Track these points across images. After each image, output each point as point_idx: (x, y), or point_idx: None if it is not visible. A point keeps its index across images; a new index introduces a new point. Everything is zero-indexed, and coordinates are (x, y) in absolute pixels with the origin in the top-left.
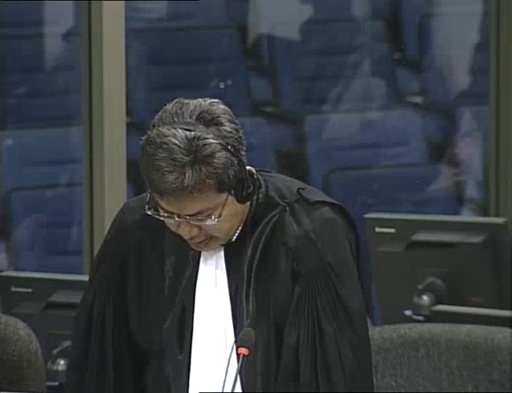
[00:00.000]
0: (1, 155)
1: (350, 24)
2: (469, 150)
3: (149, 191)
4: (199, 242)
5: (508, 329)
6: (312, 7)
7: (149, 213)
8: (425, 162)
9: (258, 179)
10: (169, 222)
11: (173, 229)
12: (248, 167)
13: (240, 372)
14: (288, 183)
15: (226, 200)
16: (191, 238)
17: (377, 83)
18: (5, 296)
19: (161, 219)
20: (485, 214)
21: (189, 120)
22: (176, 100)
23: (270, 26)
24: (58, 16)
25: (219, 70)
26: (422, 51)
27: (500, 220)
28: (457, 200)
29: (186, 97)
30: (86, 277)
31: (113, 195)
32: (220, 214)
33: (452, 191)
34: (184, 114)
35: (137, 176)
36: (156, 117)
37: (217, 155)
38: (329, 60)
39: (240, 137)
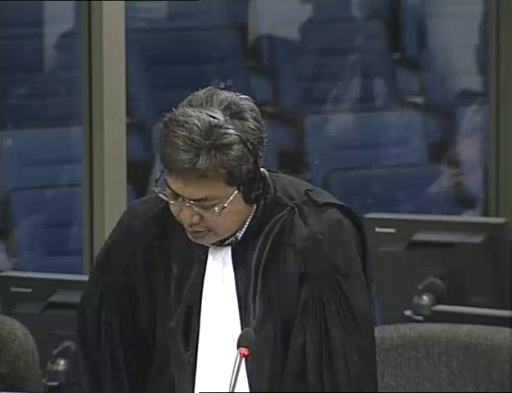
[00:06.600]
0: (1, 155)
1: (350, 24)
2: (469, 150)
3: (162, 169)
4: (197, 232)
5: (508, 329)
6: (312, 7)
7: (155, 190)
8: (425, 162)
9: (269, 183)
10: (173, 204)
11: (176, 214)
12: (262, 169)
13: (239, 372)
14: (295, 184)
15: (234, 195)
16: (190, 226)
17: (377, 83)
18: (5, 296)
19: (165, 199)
20: (485, 214)
21: (216, 109)
22: (208, 87)
23: (270, 26)
24: (58, 16)
25: (219, 70)
26: (422, 51)
27: (500, 220)
28: (457, 200)
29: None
30: (86, 277)
31: (113, 195)
32: (224, 207)
33: (452, 191)
34: (213, 101)
35: (137, 176)
36: (186, 99)
37: (235, 147)
38: (329, 61)
39: (261, 137)
